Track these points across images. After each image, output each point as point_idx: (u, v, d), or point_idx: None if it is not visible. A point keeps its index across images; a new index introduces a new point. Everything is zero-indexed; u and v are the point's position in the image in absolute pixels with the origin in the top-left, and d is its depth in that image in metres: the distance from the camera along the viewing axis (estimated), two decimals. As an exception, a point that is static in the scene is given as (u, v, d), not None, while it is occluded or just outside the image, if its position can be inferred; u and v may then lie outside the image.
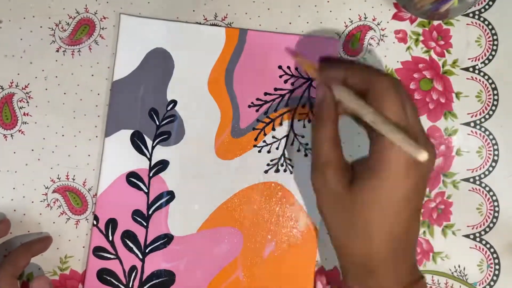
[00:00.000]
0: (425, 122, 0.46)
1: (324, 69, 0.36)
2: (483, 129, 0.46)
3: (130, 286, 0.44)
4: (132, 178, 0.44)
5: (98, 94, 0.45)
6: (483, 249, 0.45)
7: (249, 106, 0.45)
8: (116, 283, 0.44)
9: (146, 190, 0.44)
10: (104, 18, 0.45)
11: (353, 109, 0.33)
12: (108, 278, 0.44)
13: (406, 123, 0.32)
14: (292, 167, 0.45)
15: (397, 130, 0.31)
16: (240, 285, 0.44)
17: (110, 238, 0.44)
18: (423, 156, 0.30)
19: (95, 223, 0.44)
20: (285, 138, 0.45)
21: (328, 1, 0.46)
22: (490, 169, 0.46)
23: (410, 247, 0.34)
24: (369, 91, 0.33)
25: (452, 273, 0.45)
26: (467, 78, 0.46)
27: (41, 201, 0.44)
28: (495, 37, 0.46)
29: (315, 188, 0.35)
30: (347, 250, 0.34)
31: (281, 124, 0.45)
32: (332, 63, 0.36)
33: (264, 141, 0.45)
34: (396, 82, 0.33)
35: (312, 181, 0.35)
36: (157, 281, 0.44)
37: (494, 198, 0.46)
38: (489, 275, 0.45)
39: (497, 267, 0.45)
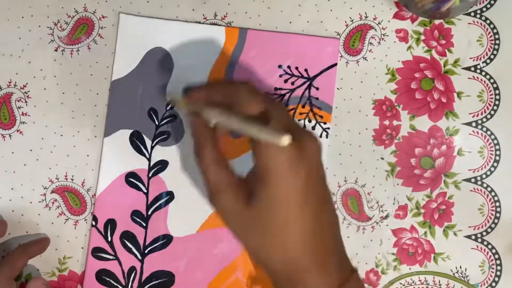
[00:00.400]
0: (426, 122, 0.46)
1: (189, 97, 0.36)
2: (484, 129, 0.46)
3: (129, 287, 0.43)
4: (131, 178, 0.44)
5: (97, 93, 0.44)
6: (484, 250, 0.45)
7: None
8: (115, 284, 0.43)
9: (145, 191, 0.44)
10: (103, 17, 0.45)
11: (222, 123, 0.34)
12: (107, 279, 0.43)
13: (269, 117, 0.32)
14: None
15: (252, 124, 0.31)
16: (240, 286, 0.44)
17: (109, 238, 0.43)
18: (283, 140, 0.29)
19: (94, 223, 0.43)
20: None
21: (328, 0, 0.46)
22: (492, 169, 0.46)
23: (330, 241, 0.33)
24: (232, 105, 0.33)
25: (454, 274, 0.45)
26: (469, 78, 0.46)
27: (40, 201, 0.44)
28: (496, 36, 0.46)
29: (217, 215, 0.34)
30: (267, 262, 0.33)
31: None
32: (195, 89, 0.36)
33: None
34: (251, 87, 0.34)
35: (211, 206, 0.34)
36: (156, 282, 0.43)
37: (495, 198, 0.45)
38: (491, 276, 0.45)
39: (498, 268, 0.45)
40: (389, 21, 0.46)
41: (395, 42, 0.46)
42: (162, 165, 0.44)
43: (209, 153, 0.34)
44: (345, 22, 0.46)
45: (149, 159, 0.44)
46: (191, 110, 0.36)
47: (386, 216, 0.45)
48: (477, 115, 0.46)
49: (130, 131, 0.44)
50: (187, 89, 0.38)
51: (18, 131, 0.44)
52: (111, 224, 0.44)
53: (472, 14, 0.46)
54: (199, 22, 0.45)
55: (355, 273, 0.34)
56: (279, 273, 0.33)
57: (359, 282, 0.34)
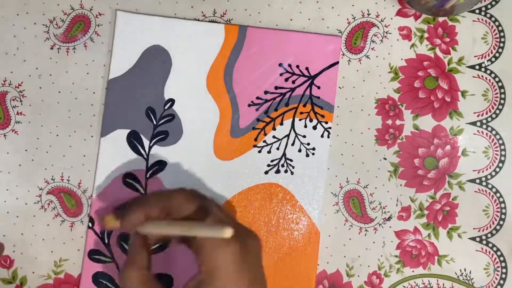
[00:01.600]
0: (430, 122, 0.45)
1: (124, 217, 0.37)
2: (489, 128, 0.45)
3: (127, 290, 0.43)
4: (129, 179, 0.43)
5: (94, 92, 0.44)
6: (489, 252, 0.45)
7: (249, 105, 0.44)
8: (112, 287, 0.43)
9: (143, 192, 0.43)
10: (100, 14, 0.44)
11: (163, 233, 0.36)
12: (104, 282, 0.43)
13: (207, 215, 0.35)
14: (293, 167, 0.44)
15: (193, 225, 0.34)
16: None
17: (106, 241, 0.43)
18: (227, 233, 0.32)
19: (90, 225, 0.43)
20: (286, 138, 0.44)
21: (330, -3, 0.45)
22: (497, 169, 0.45)
23: None
24: (171, 213, 0.36)
25: (458, 276, 0.45)
26: (473, 76, 0.45)
27: (35, 202, 0.43)
28: (502, 34, 0.45)
29: None
30: None
31: (281, 123, 0.44)
32: (128, 209, 0.37)
33: (264, 141, 0.44)
34: (186, 191, 0.37)
35: None
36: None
37: (501, 199, 0.45)
38: (496, 278, 0.45)
39: (504, 270, 0.45)
40: (392, 19, 0.45)
41: (398, 40, 0.45)
42: (160, 165, 0.44)
43: (141, 260, 0.36)
44: (347, 19, 0.45)
45: (147, 160, 0.44)
46: (125, 228, 0.38)
47: (389, 218, 0.45)
48: (482, 115, 0.45)
49: (128, 130, 0.44)
50: (118, 211, 0.40)
51: (13, 130, 0.43)
52: None
53: (477, 11, 0.46)
54: (198, 20, 0.45)
55: None
56: None
57: None
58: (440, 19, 0.45)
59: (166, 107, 0.44)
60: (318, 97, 0.44)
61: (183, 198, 0.36)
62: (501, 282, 0.45)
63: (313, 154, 0.44)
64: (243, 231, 0.36)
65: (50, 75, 0.44)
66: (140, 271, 0.36)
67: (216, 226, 0.33)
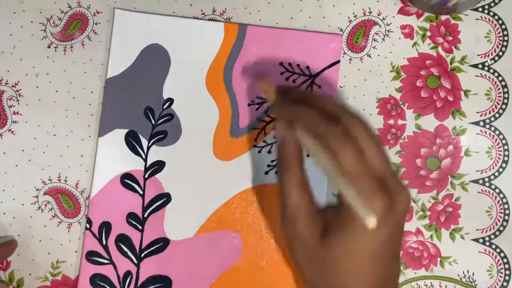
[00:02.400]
0: (432, 121, 0.45)
1: (285, 99, 0.34)
2: (492, 128, 0.45)
3: (125, 292, 0.43)
4: (127, 179, 0.43)
5: (91, 92, 0.44)
6: (492, 254, 0.44)
7: (249, 105, 0.44)
8: (110, 289, 0.43)
9: (142, 192, 0.43)
10: (98, 12, 0.44)
11: (311, 153, 0.32)
12: (102, 284, 0.42)
13: (365, 170, 0.30)
14: None
15: (349, 185, 0.29)
16: (240, 291, 0.43)
17: (104, 242, 0.43)
18: (371, 222, 0.28)
19: (88, 226, 0.43)
20: None
21: (331, -5, 0.45)
22: (500, 170, 0.45)
23: None
24: (321, 137, 0.31)
25: (461, 278, 0.44)
26: (476, 75, 0.45)
27: (32, 203, 0.43)
28: (505, 32, 0.45)
29: (286, 238, 0.33)
30: None
31: None
32: (293, 95, 0.34)
33: (265, 141, 0.44)
34: (359, 121, 0.31)
35: (282, 230, 0.33)
36: (152, 287, 0.43)
37: (504, 200, 0.45)
38: (499, 280, 0.44)
39: (507, 272, 0.44)
40: (393, 17, 0.45)
41: (400, 38, 0.45)
42: (158, 166, 0.43)
43: (296, 174, 0.32)
44: (348, 17, 0.45)
45: (145, 160, 0.43)
46: (280, 114, 0.33)
47: None
48: (485, 114, 0.45)
49: (126, 130, 0.43)
50: (283, 89, 0.35)
51: (9, 130, 0.43)
52: (106, 227, 0.43)
53: (480, 9, 0.45)
54: (197, 18, 0.44)
55: None
56: None
57: None
58: (443, 17, 0.45)
59: (164, 107, 0.43)
60: (319, 97, 0.44)
61: (365, 128, 0.31)
62: (505, 284, 0.44)
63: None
64: (394, 186, 0.30)
65: (47, 74, 0.43)
66: (301, 172, 0.32)
67: (365, 205, 0.28)
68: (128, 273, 0.43)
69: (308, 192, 0.33)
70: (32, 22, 0.44)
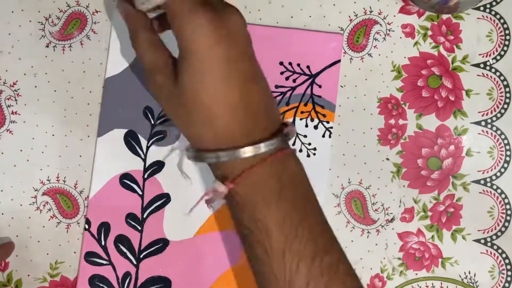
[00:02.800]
0: (434, 121, 0.44)
1: None
2: (494, 128, 0.45)
3: (124, 293, 0.42)
4: (126, 180, 0.43)
5: (90, 91, 0.43)
6: (494, 255, 0.44)
7: None
8: (109, 290, 0.42)
9: (141, 193, 0.43)
10: (97, 11, 0.44)
11: (147, 5, 0.34)
12: (101, 285, 0.42)
13: None
14: None
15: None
16: (239, 292, 0.43)
17: (103, 243, 0.42)
18: None
19: (87, 227, 0.42)
20: None
21: (331, -6, 0.45)
22: (502, 170, 0.45)
23: (260, 117, 0.33)
24: None
25: (462, 279, 0.44)
26: (478, 75, 0.45)
27: (30, 204, 0.43)
28: (507, 31, 0.45)
29: (152, 95, 0.35)
30: (198, 139, 0.33)
31: None
32: None
33: None
34: None
35: (146, 87, 0.36)
36: (152, 288, 0.43)
37: (506, 201, 0.44)
38: (501, 281, 0.44)
39: (509, 273, 0.44)
40: (394, 16, 0.45)
41: (401, 37, 0.45)
42: (158, 166, 0.43)
43: (144, 35, 0.34)
44: (349, 16, 0.45)
45: (144, 160, 0.43)
46: None
47: (392, 219, 0.44)
48: (487, 114, 0.45)
49: (125, 130, 0.43)
50: None
51: (7, 130, 0.43)
52: (104, 227, 0.43)
53: (482, 8, 0.45)
54: None
55: (287, 147, 0.34)
56: (211, 148, 0.33)
57: (288, 160, 0.34)
58: (444, 16, 0.45)
59: (164, 106, 0.43)
60: (320, 96, 0.44)
61: None
62: (506, 285, 0.44)
63: (314, 154, 0.44)
64: (220, 5, 0.32)
65: (46, 73, 0.43)
66: (148, 32, 0.34)
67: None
68: (127, 274, 0.42)
69: (161, 48, 0.34)
70: (30, 21, 0.43)
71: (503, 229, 0.44)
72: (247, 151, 0.32)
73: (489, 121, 0.45)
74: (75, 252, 0.43)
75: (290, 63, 0.44)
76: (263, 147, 0.32)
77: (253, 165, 0.32)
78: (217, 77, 0.31)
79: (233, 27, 0.31)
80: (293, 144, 0.44)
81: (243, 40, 0.33)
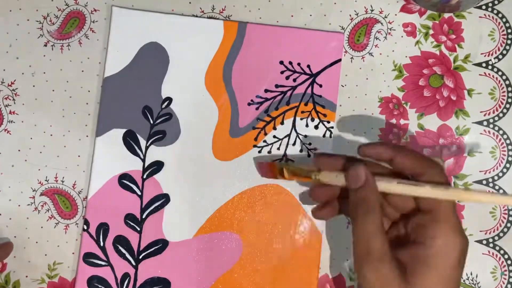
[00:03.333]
0: (435, 121, 0.44)
1: (359, 152, 0.36)
2: (496, 128, 0.44)
3: (123, 294, 0.42)
4: (125, 180, 0.43)
5: (89, 91, 0.43)
6: (496, 256, 0.44)
7: (249, 104, 0.43)
8: (108, 291, 0.42)
9: (140, 193, 0.43)
10: (95, 10, 0.43)
11: (403, 192, 0.33)
12: (99, 286, 0.42)
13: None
14: None
15: (475, 191, 0.33)
16: (239, 294, 0.42)
17: (102, 243, 0.42)
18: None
19: (85, 227, 0.42)
20: (286, 138, 0.43)
21: (332, -7, 0.44)
22: (504, 170, 0.44)
23: None
24: (422, 175, 0.34)
25: (464, 281, 0.44)
26: (480, 74, 0.44)
27: (28, 204, 0.42)
28: (509, 30, 0.45)
29: (367, 282, 0.33)
30: None
31: (282, 123, 0.43)
32: (372, 146, 0.36)
33: (265, 141, 0.43)
34: (442, 168, 0.35)
35: (364, 278, 0.33)
36: (151, 289, 0.42)
37: None
38: (503, 283, 0.44)
39: (511, 274, 0.44)
40: (396, 15, 0.44)
41: (402, 36, 0.44)
42: (157, 166, 0.43)
43: (379, 218, 0.33)
44: (350, 15, 0.44)
45: (143, 160, 0.43)
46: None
47: None
48: (489, 114, 0.44)
49: (124, 130, 0.43)
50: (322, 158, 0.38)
51: (5, 130, 0.43)
52: (103, 228, 0.42)
53: (484, 7, 0.45)
54: (196, 16, 0.44)
55: None
56: None
57: None
58: (446, 15, 0.44)
59: (163, 106, 0.43)
60: (320, 96, 0.43)
61: (441, 170, 0.34)
62: (509, 286, 0.44)
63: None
64: (463, 231, 0.33)
65: (44, 73, 0.43)
66: (381, 217, 0.33)
67: (498, 194, 0.33)
68: (126, 275, 0.42)
69: (386, 237, 0.33)
70: (28, 20, 0.43)
71: (505, 229, 0.44)
72: None
73: (491, 120, 0.44)
74: (73, 253, 0.42)
75: (290, 62, 0.44)
76: None
77: None
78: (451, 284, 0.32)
79: (466, 253, 0.33)
80: (294, 144, 0.43)
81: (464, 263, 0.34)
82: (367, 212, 0.33)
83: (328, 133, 0.43)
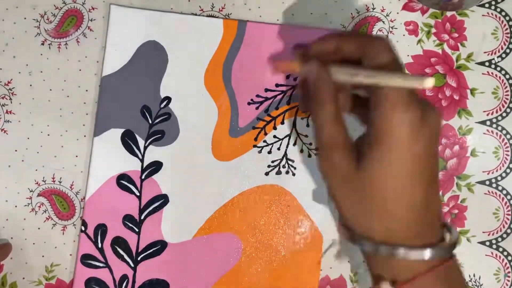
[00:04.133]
0: None
1: (310, 49, 0.34)
2: (500, 128, 0.44)
3: (121, 296, 0.42)
4: (123, 180, 0.42)
5: (87, 90, 0.43)
6: (500, 257, 0.44)
7: (249, 103, 0.43)
8: (106, 293, 0.42)
9: (138, 194, 0.42)
10: (93, 8, 0.43)
11: (345, 79, 0.32)
12: (97, 288, 0.42)
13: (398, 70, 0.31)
14: (295, 168, 0.43)
15: (394, 73, 0.30)
16: (239, 296, 0.42)
17: (99, 245, 0.42)
18: (428, 82, 0.29)
19: (83, 229, 0.42)
20: (287, 138, 0.43)
21: (333, -9, 0.44)
22: (508, 170, 0.44)
23: (434, 220, 0.32)
24: (365, 55, 0.32)
25: (467, 282, 0.43)
26: (483, 73, 0.44)
27: (25, 205, 0.42)
28: (513, 29, 0.44)
29: (323, 173, 0.33)
30: (367, 229, 0.32)
31: (282, 122, 0.43)
32: (322, 41, 0.34)
33: (265, 141, 0.43)
34: (390, 43, 0.32)
35: (319, 166, 0.33)
36: (149, 291, 0.42)
37: None
38: (507, 284, 0.43)
39: None
40: (397, 13, 0.44)
41: (404, 35, 0.44)
42: (156, 166, 0.43)
43: (331, 107, 0.32)
44: (351, 14, 0.44)
45: (142, 160, 0.42)
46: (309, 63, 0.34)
47: None
48: (492, 113, 0.44)
49: (122, 130, 0.42)
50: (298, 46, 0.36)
51: (2, 130, 0.42)
52: (101, 229, 0.42)
53: (487, 5, 0.44)
54: (195, 14, 0.43)
55: (453, 257, 0.33)
56: (377, 241, 0.32)
57: (455, 269, 0.33)
58: (448, 13, 0.44)
59: (162, 106, 0.43)
60: (321, 95, 0.43)
61: (384, 46, 0.32)
62: (512, 288, 0.43)
63: (315, 154, 0.43)
64: (424, 102, 0.31)
65: (41, 72, 0.43)
66: (335, 104, 0.32)
67: (414, 76, 0.29)
68: (124, 277, 0.42)
69: (343, 126, 0.32)
70: (25, 18, 0.43)
71: (508, 231, 0.43)
72: (425, 254, 0.30)
73: (494, 120, 0.44)
74: (71, 255, 0.42)
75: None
76: (437, 252, 0.31)
77: (426, 270, 0.31)
78: (406, 173, 0.30)
79: (433, 127, 0.31)
80: (294, 144, 0.43)
81: (438, 140, 0.32)
82: (319, 103, 0.32)
83: (329, 133, 0.43)
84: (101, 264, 0.42)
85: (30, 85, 0.43)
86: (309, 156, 0.43)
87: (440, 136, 0.32)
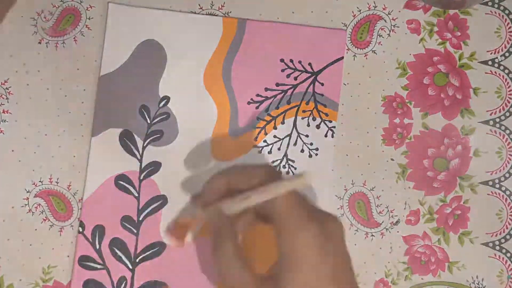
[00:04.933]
0: (440, 120, 0.44)
1: (202, 196, 0.37)
2: (503, 127, 0.44)
3: (119, 299, 0.42)
4: (121, 181, 0.42)
5: (84, 90, 0.43)
6: (503, 258, 0.44)
7: (249, 103, 0.43)
8: (104, 295, 0.42)
9: (137, 194, 0.42)
10: (91, 7, 0.43)
11: (240, 207, 0.35)
12: (95, 290, 0.42)
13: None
14: (295, 169, 0.43)
15: (279, 182, 0.33)
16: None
17: (97, 246, 0.42)
18: (307, 177, 0.32)
19: (80, 230, 0.42)
20: (287, 138, 0.43)
21: (334, -11, 0.44)
22: (511, 171, 0.44)
23: None
24: (250, 184, 0.35)
25: (470, 284, 0.43)
26: (486, 72, 0.44)
27: (22, 206, 0.42)
28: (516, 27, 0.44)
29: None
30: None
31: (283, 122, 0.43)
32: (207, 188, 0.37)
33: (265, 141, 0.43)
34: (271, 168, 0.36)
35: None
36: (148, 293, 0.42)
37: None
38: (509, 286, 0.43)
39: None
40: (399, 11, 0.44)
41: (406, 34, 0.44)
42: (154, 166, 0.42)
43: (231, 245, 0.34)
44: (352, 12, 0.44)
45: (140, 160, 0.42)
46: (205, 205, 0.36)
47: (397, 222, 0.43)
48: (495, 113, 0.44)
49: (120, 130, 0.42)
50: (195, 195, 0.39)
51: (-2, 130, 0.43)
52: (99, 230, 0.42)
53: (490, 3, 0.44)
54: (195, 13, 0.43)
55: None
56: None
57: None
58: (451, 12, 0.44)
59: (160, 105, 0.43)
60: (322, 95, 0.43)
61: (259, 170, 0.35)
62: (515, 290, 0.43)
63: (316, 154, 0.43)
64: (321, 215, 0.34)
65: (38, 71, 0.42)
66: (233, 242, 0.34)
67: (294, 177, 0.32)
68: (122, 279, 0.42)
69: (245, 264, 0.34)
70: (22, 16, 0.43)
71: (511, 232, 0.44)
72: None
73: (497, 120, 0.44)
74: (68, 256, 0.42)
75: (291, 60, 0.43)
76: None
77: None
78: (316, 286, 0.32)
79: (334, 234, 0.33)
80: (295, 144, 0.43)
81: (344, 248, 0.34)
82: (218, 244, 0.34)
83: (330, 133, 0.43)
84: (99, 266, 0.42)
85: (27, 84, 0.42)
86: (310, 156, 0.43)
87: (345, 245, 0.34)
